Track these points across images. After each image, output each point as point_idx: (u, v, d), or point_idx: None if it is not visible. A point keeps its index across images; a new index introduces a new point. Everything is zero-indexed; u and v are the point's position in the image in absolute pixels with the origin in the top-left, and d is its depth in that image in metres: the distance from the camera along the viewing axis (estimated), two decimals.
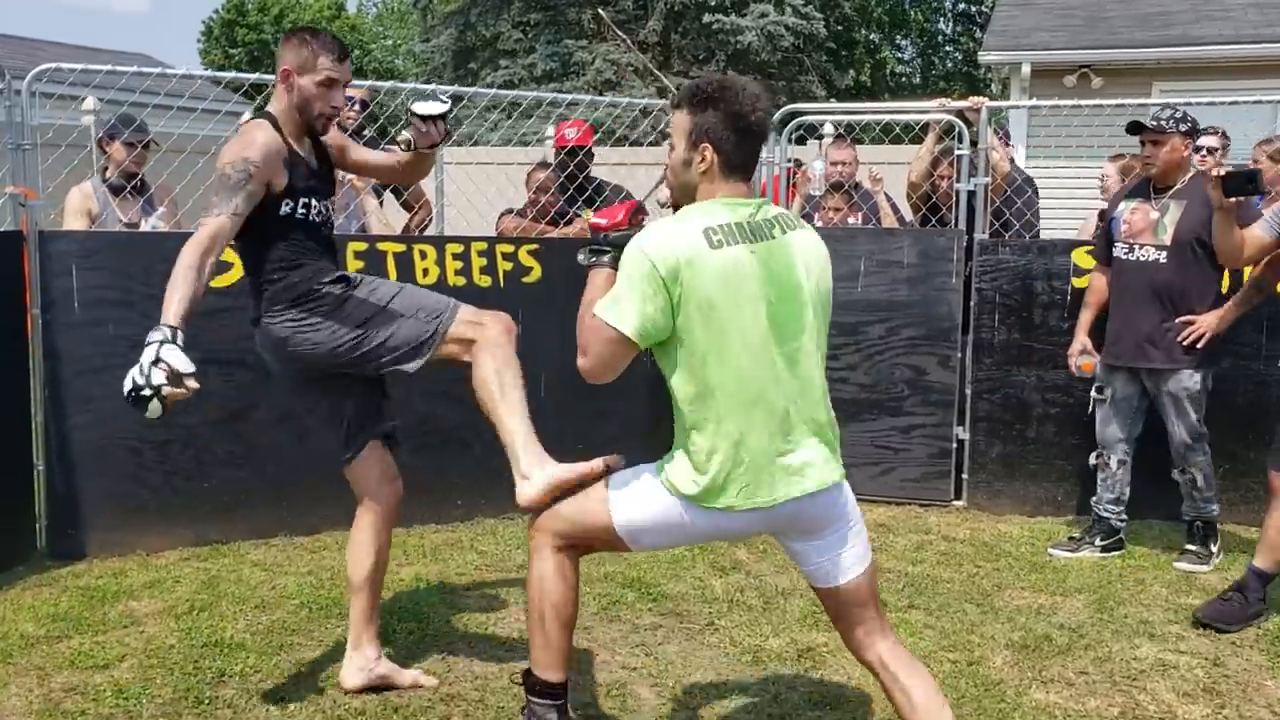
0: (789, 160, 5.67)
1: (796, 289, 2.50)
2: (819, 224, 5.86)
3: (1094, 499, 4.74)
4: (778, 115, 5.68)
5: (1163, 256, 4.40)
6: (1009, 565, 4.56)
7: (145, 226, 4.99)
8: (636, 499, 2.67)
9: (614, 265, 2.59)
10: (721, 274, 2.42)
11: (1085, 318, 4.75)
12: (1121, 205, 4.60)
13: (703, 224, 2.45)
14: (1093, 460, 4.70)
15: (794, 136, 5.76)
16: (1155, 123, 4.36)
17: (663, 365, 2.60)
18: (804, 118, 5.77)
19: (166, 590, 4.06)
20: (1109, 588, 4.30)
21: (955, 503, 5.36)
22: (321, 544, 4.60)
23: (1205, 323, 4.30)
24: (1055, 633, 3.84)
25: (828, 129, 9.35)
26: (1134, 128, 4.49)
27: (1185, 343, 4.32)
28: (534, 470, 2.91)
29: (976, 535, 4.95)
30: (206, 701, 3.20)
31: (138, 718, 3.10)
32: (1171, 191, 4.43)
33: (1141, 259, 4.45)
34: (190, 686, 3.27)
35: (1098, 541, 4.67)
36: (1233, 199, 3.86)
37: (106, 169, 5.04)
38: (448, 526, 4.93)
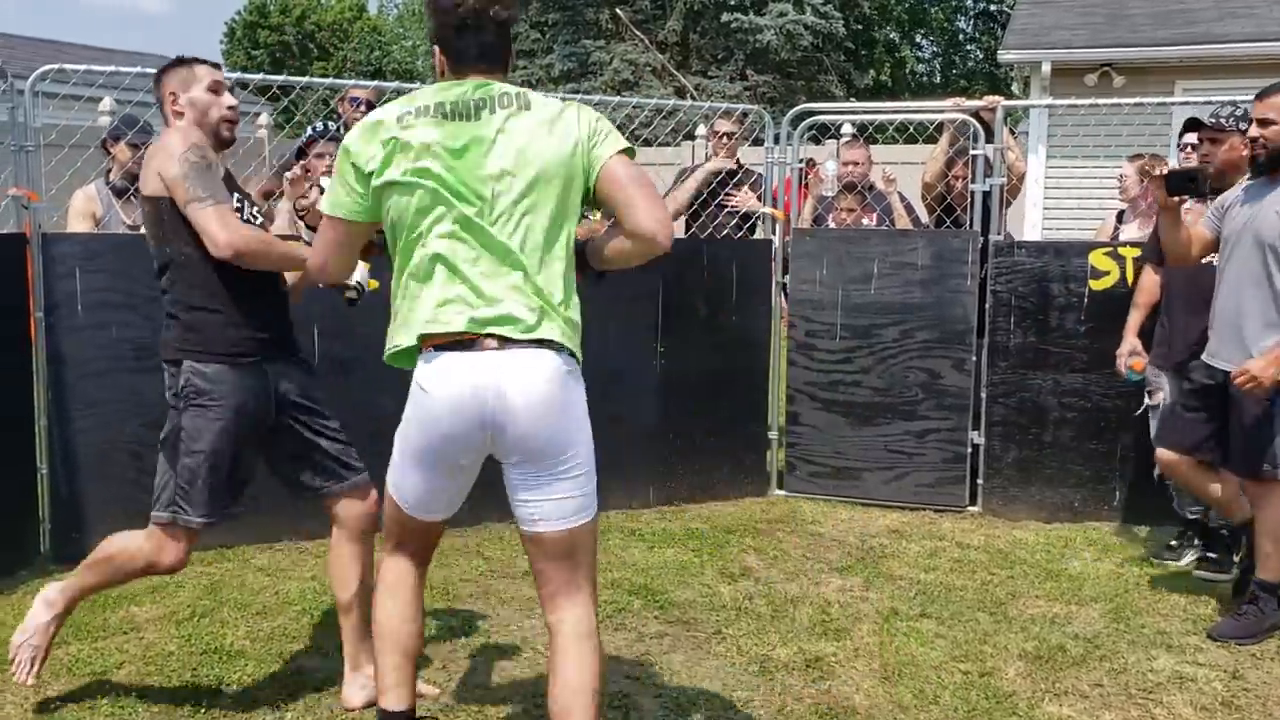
0: (801, 160, 5.58)
1: (480, 164, 2.38)
2: (832, 225, 5.79)
3: (1175, 505, 4.65)
4: (789, 115, 5.61)
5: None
6: (1024, 573, 4.47)
7: None
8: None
9: None
10: (405, 151, 2.38)
11: (1135, 318, 4.65)
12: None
13: (401, 110, 2.43)
14: (1157, 472, 4.53)
15: (808, 136, 5.68)
16: (1214, 120, 4.23)
17: None
18: (817, 117, 5.69)
19: (168, 595, 4.03)
20: (1125, 597, 4.21)
21: (970, 508, 5.27)
22: (325, 548, 4.52)
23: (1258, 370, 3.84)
24: (1070, 643, 3.76)
25: (845, 128, 9.28)
26: (1191, 125, 4.38)
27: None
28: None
29: (991, 542, 4.87)
30: (203, 711, 3.16)
31: None
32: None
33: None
34: (188, 695, 3.23)
35: (1196, 541, 4.57)
36: (1175, 198, 3.83)
37: (110, 171, 5.02)
38: (454, 531, 4.87)
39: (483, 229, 2.39)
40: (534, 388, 2.39)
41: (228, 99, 3.08)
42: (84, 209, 4.94)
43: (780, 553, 4.68)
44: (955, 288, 5.19)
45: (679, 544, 4.73)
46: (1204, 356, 4.04)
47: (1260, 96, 3.83)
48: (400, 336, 2.49)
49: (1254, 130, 3.82)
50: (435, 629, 3.78)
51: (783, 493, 5.51)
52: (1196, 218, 4.40)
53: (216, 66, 3.12)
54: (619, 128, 6.77)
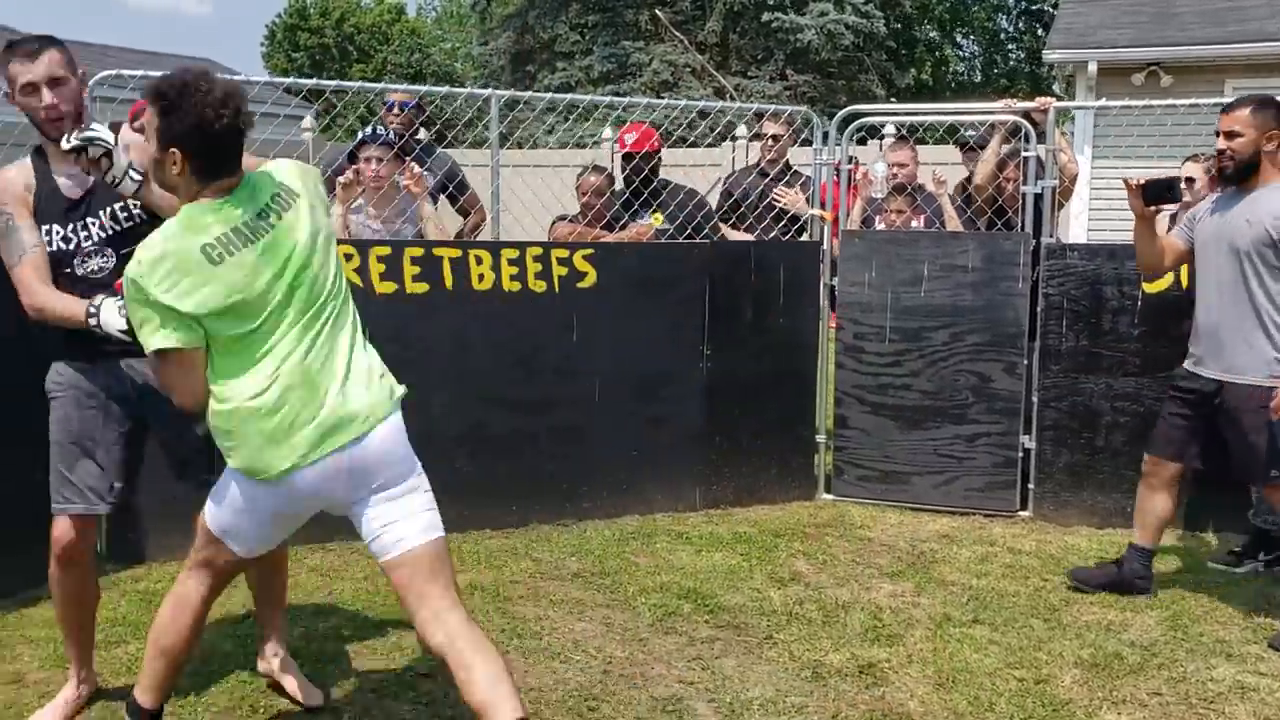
0: (849, 161, 5.56)
1: (306, 265, 2.56)
2: (881, 226, 5.76)
3: (1250, 512, 4.59)
4: (838, 116, 5.59)
5: None
6: None
7: None
8: (221, 496, 2.68)
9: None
10: (233, 285, 2.47)
11: None
12: None
13: (199, 242, 2.46)
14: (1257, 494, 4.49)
15: (855, 138, 5.65)
16: None
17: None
18: (865, 119, 5.66)
19: (224, 596, 4.03)
20: (1183, 604, 4.15)
21: (1021, 513, 5.22)
22: None
23: None
24: (1127, 650, 3.71)
25: (888, 129, 9.21)
26: None
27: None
28: None
29: (1043, 547, 4.82)
30: (260, 710, 3.19)
31: None
32: None
33: None
34: (245, 695, 3.27)
35: (1261, 556, 4.51)
36: (1152, 206, 3.97)
37: None
38: (502, 532, 4.90)
39: None
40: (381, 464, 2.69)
41: (44, 96, 2.93)
42: None
43: (829, 557, 4.65)
44: (1007, 290, 5.14)
45: (727, 548, 4.72)
46: (1187, 365, 4.11)
47: (1226, 110, 3.97)
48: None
49: (1221, 143, 3.93)
50: (488, 630, 3.79)
51: (830, 497, 5.48)
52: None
53: (33, 54, 2.92)
54: (658, 129, 6.78)
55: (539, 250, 4.94)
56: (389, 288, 4.66)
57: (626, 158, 5.47)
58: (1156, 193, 3.93)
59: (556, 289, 4.93)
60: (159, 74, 4.65)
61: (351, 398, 2.58)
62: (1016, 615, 4.03)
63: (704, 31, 20.18)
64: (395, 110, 5.35)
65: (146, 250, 2.45)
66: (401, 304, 4.66)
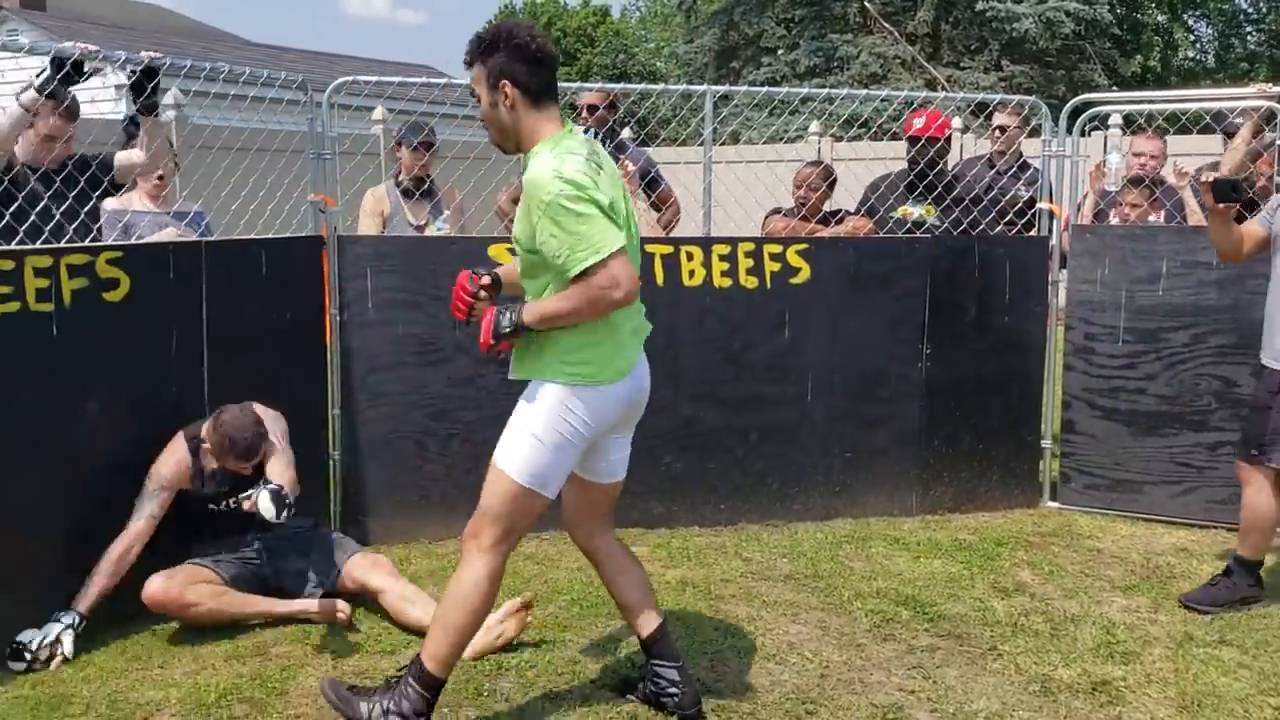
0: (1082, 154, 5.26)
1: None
2: (1115, 220, 5.44)
3: None
4: (1067, 106, 5.31)
5: None
6: None
7: (431, 230, 5.22)
8: (527, 447, 2.85)
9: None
10: (614, 195, 2.76)
11: None
12: None
13: (583, 153, 2.74)
14: None
15: (1086, 129, 5.36)
16: None
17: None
18: (1097, 108, 5.35)
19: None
20: None
21: None
22: None
23: None
24: None
25: (1114, 119, 8.71)
26: None
27: None
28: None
29: None
30: (485, 694, 3.28)
31: None
32: None
33: None
34: (470, 678, 3.36)
35: None
36: (1222, 204, 3.93)
37: (399, 173, 5.30)
38: (710, 529, 4.88)
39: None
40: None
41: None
42: (373, 208, 5.24)
43: (1055, 568, 4.43)
44: (1255, 289, 4.75)
45: (946, 555, 4.56)
46: (1264, 359, 4.06)
47: None
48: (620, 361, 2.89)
49: None
50: (702, 629, 3.79)
51: (1055, 504, 5.22)
52: None
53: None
54: (866, 123, 6.56)
55: (750, 245, 4.89)
56: None
57: (912, 140, 5.29)
58: (1223, 192, 3.91)
59: (768, 284, 4.88)
60: (390, 79, 4.88)
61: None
62: (1268, 638, 3.73)
63: (914, 22, 19.65)
64: (585, 114, 5.33)
65: (563, 164, 2.68)
66: None
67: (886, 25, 18.96)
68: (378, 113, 10.25)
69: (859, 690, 3.34)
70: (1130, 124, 8.77)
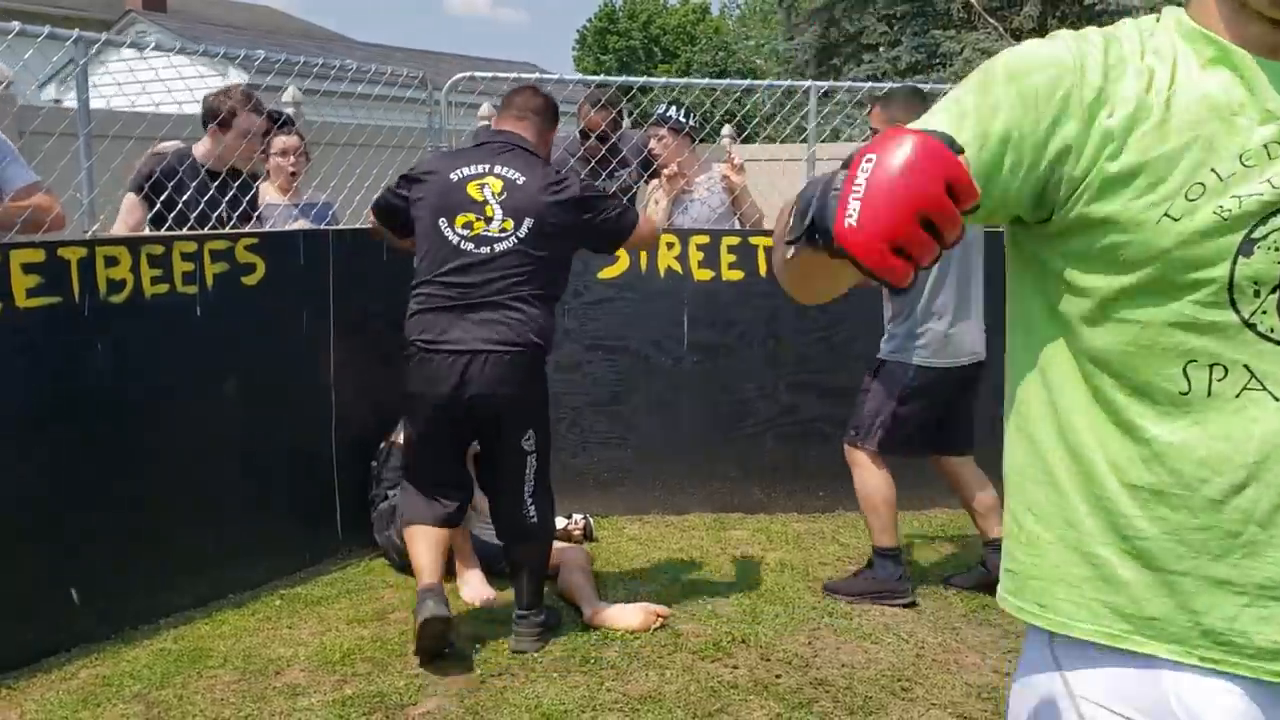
0: None
1: None
2: None
3: None
4: None
5: None
6: None
7: None
8: None
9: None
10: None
11: None
12: None
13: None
14: None
15: None
16: None
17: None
18: None
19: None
20: None
21: None
22: (690, 525, 4.80)
23: None
24: None
25: None
26: None
27: None
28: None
29: None
30: (592, 661, 3.44)
31: (532, 670, 3.39)
32: None
33: None
34: (578, 646, 3.54)
35: None
36: None
37: None
38: (808, 516, 4.98)
39: None
40: None
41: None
42: None
43: None
44: None
45: None
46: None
47: None
48: None
49: None
50: (799, 607, 3.90)
51: None
52: None
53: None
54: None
55: None
56: (706, 275, 4.85)
57: None
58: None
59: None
60: (505, 75, 5.08)
61: None
62: None
63: (1020, 16, 19.33)
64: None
65: None
66: (720, 290, 4.84)
67: (991, 20, 18.71)
68: (484, 109, 10.52)
69: (953, 670, 3.42)
70: None
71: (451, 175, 3.47)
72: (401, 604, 3.90)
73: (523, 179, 3.45)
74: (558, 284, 3.58)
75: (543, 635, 3.55)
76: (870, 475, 4.00)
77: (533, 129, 3.57)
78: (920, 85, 5.59)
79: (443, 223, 3.43)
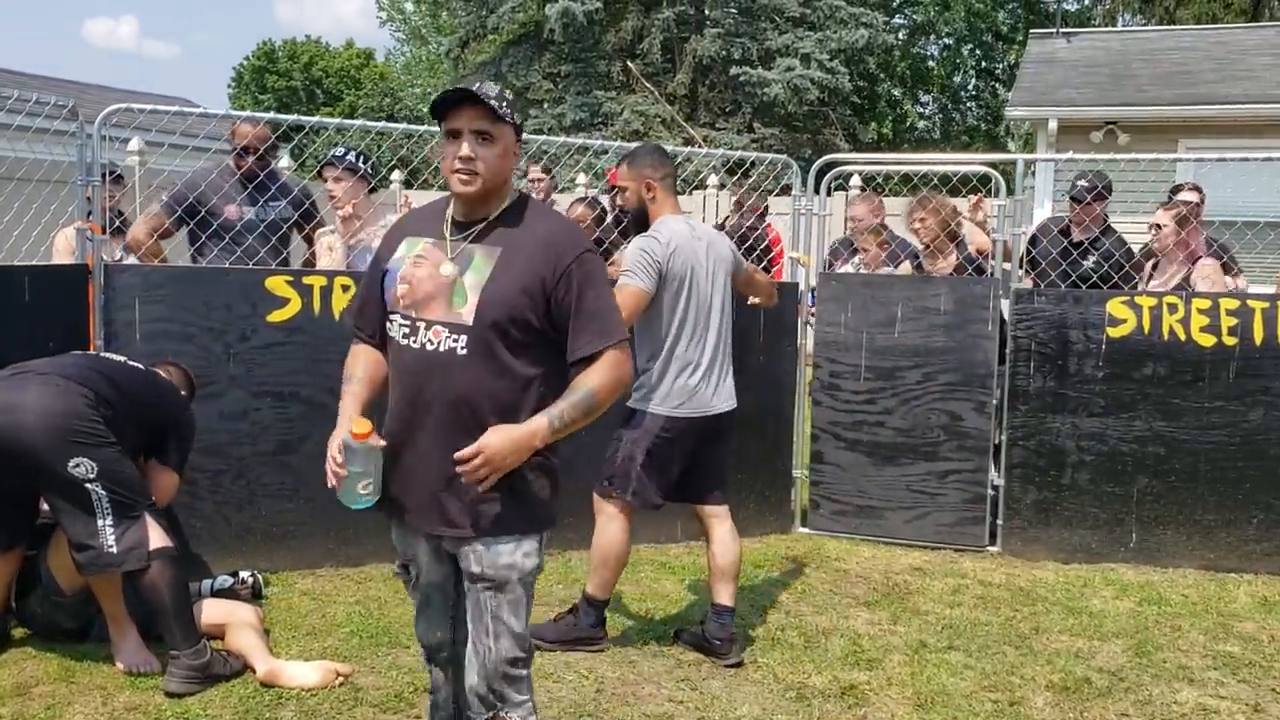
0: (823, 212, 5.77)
1: None
2: (855, 269, 5.97)
3: None
4: (815, 166, 5.81)
5: None
6: (1045, 610, 4.60)
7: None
8: None
9: None
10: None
11: None
12: None
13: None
14: None
15: (830, 187, 5.88)
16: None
17: None
18: (840, 168, 5.88)
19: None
20: (1146, 634, 4.33)
21: (989, 548, 5.40)
22: (367, 575, 4.68)
23: None
24: (1095, 675, 3.88)
25: (854, 180, 9.51)
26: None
27: None
28: None
29: (1012, 580, 4.99)
30: None
31: None
32: None
33: None
34: (250, 708, 3.35)
35: None
36: None
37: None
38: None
39: None
40: None
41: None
42: (64, 248, 5.00)
43: (808, 587, 4.80)
44: (976, 333, 5.35)
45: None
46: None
47: None
48: None
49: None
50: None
51: (806, 530, 5.64)
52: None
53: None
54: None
55: None
56: None
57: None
58: None
59: None
60: (166, 109, 4.81)
61: None
62: (989, 643, 4.19)
63: (674, 83, 20.56)
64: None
65: None
66: None
67: (648, 85, 19.76)
68: (134, 144, 9.85)
69: (632, 702, 3.54)
70: (869, 183, 9.60)
71: None
72: (46, 676, 3.53)
73: None
74: None
75: (196, 678, 3.44)
76: (615, 528, 3.95)
77: None
78: (589, 142, 5.83)
79: None
